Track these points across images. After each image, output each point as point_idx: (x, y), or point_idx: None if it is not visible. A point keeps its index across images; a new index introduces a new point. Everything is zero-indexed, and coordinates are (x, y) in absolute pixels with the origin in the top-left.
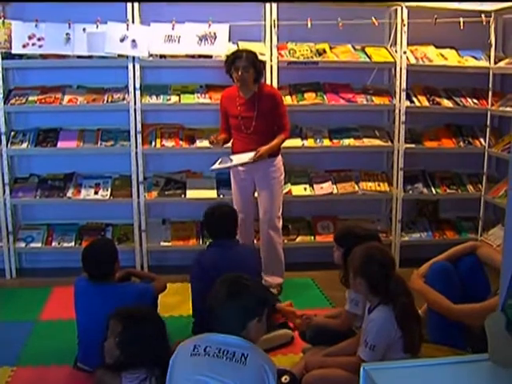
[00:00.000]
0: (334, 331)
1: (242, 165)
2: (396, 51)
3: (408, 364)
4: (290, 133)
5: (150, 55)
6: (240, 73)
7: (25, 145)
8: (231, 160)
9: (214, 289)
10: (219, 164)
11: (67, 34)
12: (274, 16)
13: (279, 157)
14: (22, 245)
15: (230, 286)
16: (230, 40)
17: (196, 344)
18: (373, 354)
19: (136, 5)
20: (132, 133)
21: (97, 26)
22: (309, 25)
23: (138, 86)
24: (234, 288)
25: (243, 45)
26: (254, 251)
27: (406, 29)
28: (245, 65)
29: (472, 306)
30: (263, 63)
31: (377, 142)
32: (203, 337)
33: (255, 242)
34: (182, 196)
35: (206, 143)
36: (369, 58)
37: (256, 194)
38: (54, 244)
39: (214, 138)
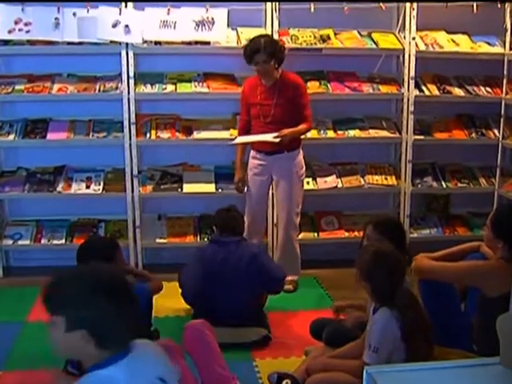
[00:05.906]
0: (350, 332)
1: (263, 141)
2: (404, 37)
3: (414, 367)
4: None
5: (145, 42)
6: (261, 67)
7: (12, 136)
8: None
9: None
10: (239, 139)
11: (56, 18)
12: None
13: (300, 150)
14: (10, 242)
15: None
16: (228, 26)
17: None
18: (376, 356)
19: None
20: (125, 124)
21: (87, 11)
22: (312, 9)
23: (131, 74)
24: None
25: (243, 31)
26: (256, 255)
27: (415, 13)
28: (265, 59)
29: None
30: (283, 47)
31: (384, 133)
32: None
33: (265, 239)
34: (179, 190)
35: (203, 134)
36: (375, 44)
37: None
38: (43, 241)
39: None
